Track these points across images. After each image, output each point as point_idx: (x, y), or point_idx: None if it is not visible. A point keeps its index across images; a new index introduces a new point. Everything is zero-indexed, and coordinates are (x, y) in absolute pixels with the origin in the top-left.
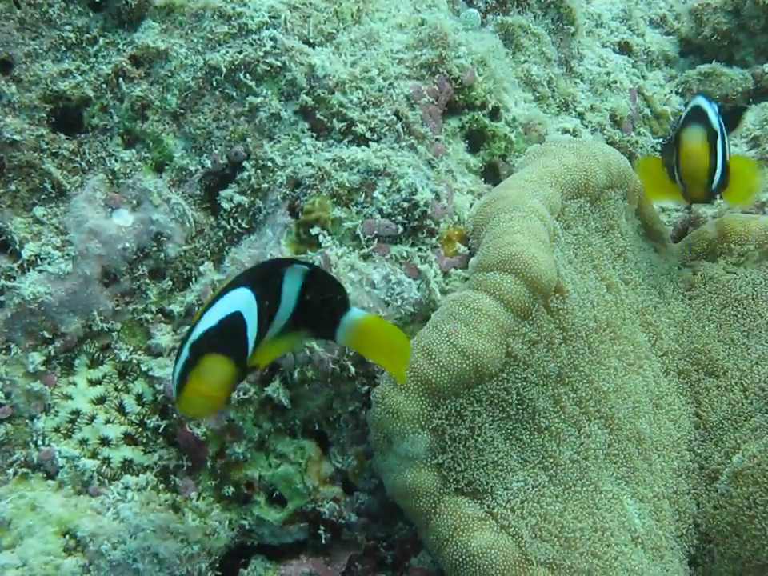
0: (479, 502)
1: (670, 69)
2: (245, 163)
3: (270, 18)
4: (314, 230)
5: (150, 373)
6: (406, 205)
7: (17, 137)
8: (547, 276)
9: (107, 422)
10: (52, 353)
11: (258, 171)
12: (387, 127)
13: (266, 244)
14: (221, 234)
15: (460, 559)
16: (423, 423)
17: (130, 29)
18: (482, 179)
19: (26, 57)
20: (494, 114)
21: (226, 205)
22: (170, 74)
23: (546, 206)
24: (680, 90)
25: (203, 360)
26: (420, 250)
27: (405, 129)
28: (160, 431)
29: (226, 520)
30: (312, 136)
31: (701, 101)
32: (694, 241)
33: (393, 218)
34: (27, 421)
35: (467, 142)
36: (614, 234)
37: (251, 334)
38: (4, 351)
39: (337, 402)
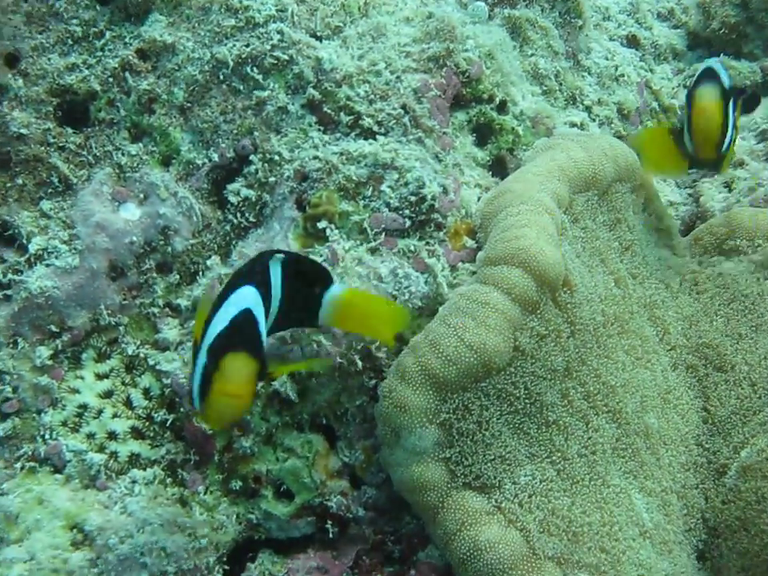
0: (487, 496)
1: (677, 62)
2: (252, 157)
3: (277, 11)
4: (322, 224)
5: (158, 367)
6: (413, 198)
7: (24, 131)
8: (555, 270)
9: (114, 416)
10: (59, 347)
11: (265, 165)
12: (394, 121)
13: (273, 238)
14: (228, 227)
15: (468, 554)
16: (431, 417)
17: (137, 22)
18: (490, 173)
19: (33, 50)
20: (502, 108)
21: (233, 198)
22: (177, 68)
23: (553, 199)
24: (688, 84)
25: (225, 360)
26: (427, 243)
27: (412, 122)
28: (167, 425)
29: (233, 514)
30: (319, 129)
31: (713, 63)
32: (702, 235)
33: (400, 212)
34: (34, 415)
35: (475, 135)
36: (621, 228)
37: (263, 328)
38: (11, 345)
39: (344, 396)
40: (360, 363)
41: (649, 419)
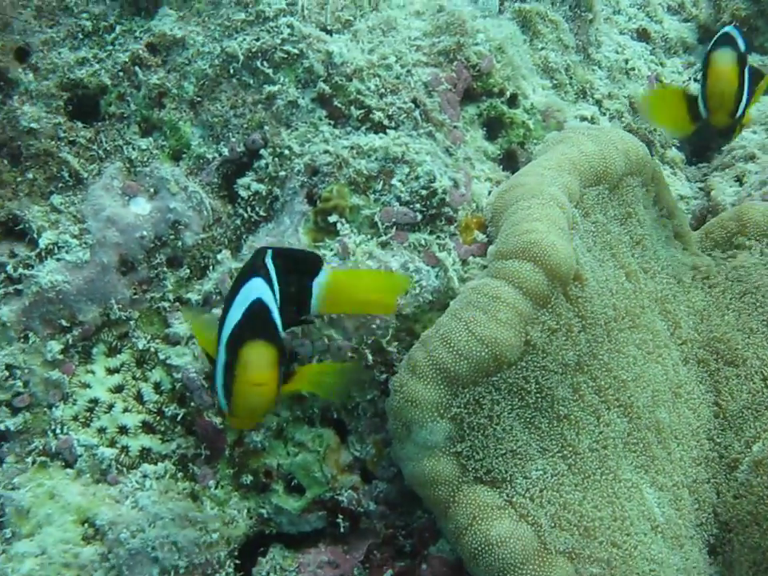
0: (498, 490)
1: (688, 56)
2: (262, 151)
3: (287, 5)
4: (332, 218)
5: (168, 361)
6: (424, 192)
7: (34, 125)
8: (566, 264)
9: (125, 410)
10: (70, 341)
11: (276, 159)
12: (405, 114)
13: (283, 232)
14: (238, 222)
15: (479, 548)
16: (442, 411)
17: (147, 16)
18: (500, 167)
19: (43, 45)
20: (512, 101)
21: (243, 193)
22: (187, 62)
23: (564, 193)
24: (698, 78)
25: (243, 350)
26: (438, 237)
27: (423, 116)
28: (178, 420)
29: (244, 508)
30: (330, 123)
31: (730, 29)
32: (713, 229)
33: (411, 206)
34: (45, 409)
35: (485, 129)
36: (632, 222)
37: (276, 316)
38: (22, 340)
39: (355, 390)
40: (371, 357)
41: (660, 414)
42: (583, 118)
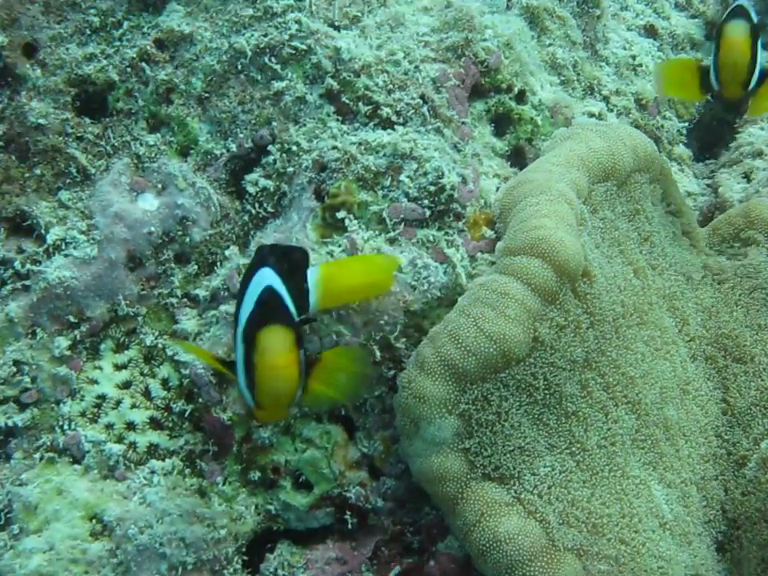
0: (506, 487)
1: (695, 52)
2: (270, 147)
3: (294, 0)
4: (340, 214)
5: (176, 357)
6: (432, 188)
7: (42, 121)
8: (575, 260)
9: (133, 406)
10: (77, 337)
11: (284, 155)
12: (413, 110)
13: (291, 228)
14: (246, 218)
15: (487, 545)
16: (450, 408)
17: (155, 12)
18: (508, 163)
19: (51, 40)
20: (520, 98)
21: (251, 189)
22: (194, 58)
23: (573, 189)
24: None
25: (260, 337)
26: (446, 233)
27: (431, 112)
28: (186, 416)
29: (252, 505)
30: (337, 119)
31: (743, 1)
32: (721, 226)
33: (419, 202)
34: (53, 405)
35: (493, 125)
36: (640, 219)
37: (289, 302)
38: (30, 335)
39: (363, 390)
40: (379, 353)
41: (668, 410)
42: (591, 115)
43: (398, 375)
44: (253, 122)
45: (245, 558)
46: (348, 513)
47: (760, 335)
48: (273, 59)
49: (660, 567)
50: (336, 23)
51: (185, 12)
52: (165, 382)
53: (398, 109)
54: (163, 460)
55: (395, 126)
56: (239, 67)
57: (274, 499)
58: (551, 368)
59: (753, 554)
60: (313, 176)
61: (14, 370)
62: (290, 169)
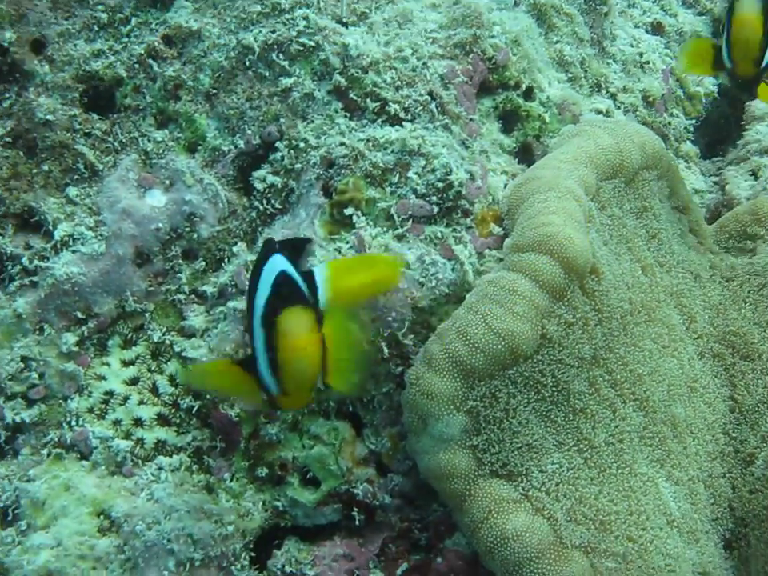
0: (514, 484)
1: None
2: (278, 143)
3: None
4: (348, 211)
5: (184, 354)
6: (440, 185)
7: (50, 117)
8: (583, 257)
9: (140, 402)
10: (85, 333)
11: (292, 151)
12: (421, 107)
13: (299, 224)
14: (254, 214)
15: (495, 542)
16: (458, 405)
17: (163, 8)
18: (516, 159)
19: (59, 37)
20: (528, 94)
21: (258, 185)
22: (202, 54)
23: (581, 186)
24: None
25: (280, 320)
26: (454, 230)
27: (439, 109)
28: (193, 412)
29: (259, 501)
30: (345, 116)
31: None
32: (728, 223)
33: (427, 199)
34: (61, 401)
35: (501, 122)
36: (648, 216)
37: (302, 285)
38: (38, 332)
39: (371, 383)
40: (386, 350)
41: (676, 408)
42: (598, 112)
43: (405, 372)
44: (261, 118)
45: (252, 554)
46: (355, 509)
47: None
48: (281, 55)
49: (667, 565)
50: (344, 20)
51: (193, 8)
52: (172, 378)
53: (405, 105)
54: (171, 456)
55: (403, 123)
56: (247, 63)
57: (282, 495)
58: (559, 365)
59: (760, 552)
60: (321, 172)
61: (22, 365)
62: (298, 165)
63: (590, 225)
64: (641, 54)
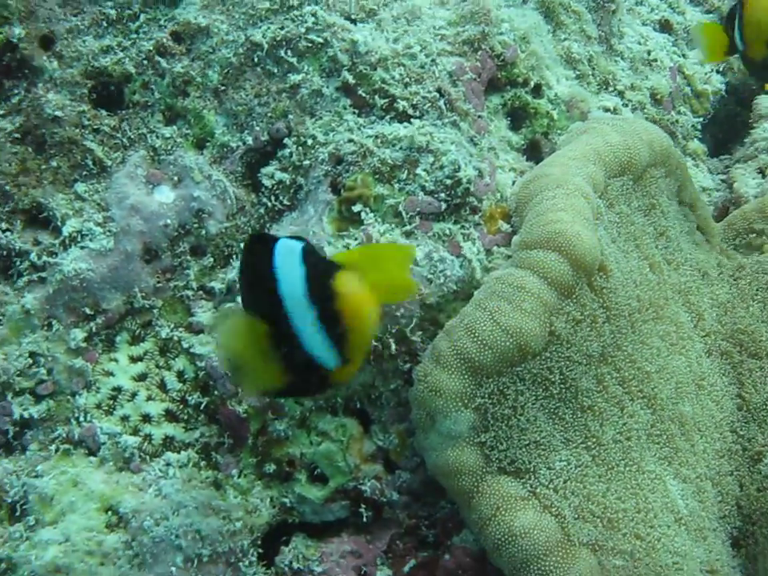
0: (522, 481)
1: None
2: (286, 140)
3: None
4: (356, 207)
5: (192, 350)
6: (448, 182)
7: (58, 113)
8: (591, 254)
9: (148, 398)
10: (93, 329)
11: (300, 148)
12: (430, 104)
13: (307, 221)
14: (262, 211)
15: (502, 539)
16: (466, 401)
17: (171, 5)
18: (524, 157)
19: (68, 33)
20: (537, 91)
21: (267, 182)
22: (211, 50)
23: (589, 183)
24: (720, 69)
25: (337, 285)
26: (463, 227)
27: (447, 105)
28: (201, 408)
29: (267, 497)
30: (354, 113)
31: None
32: (736, 221)
33: (435, 195)
34: (69, 397)
35: (509, 119)
36: (656, 213)
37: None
38: (46, 327)
39: (378, 380)
40: (394, 347)
41: (683, 405)
42: (606, 109)
43: (413, 368)
44: (269, 114)
45: (260, 550)
46: (363, 506)
47: None
48: (289, 52)
49: (675, 563)
50: (352, 16)
51: (201, 5)
52: (180, 375)
53: (414, 102)
54: (179, 452)
55: (412, 120)
56: (255, 60)
57: (289, 492)
58: (567, 362)
59: None
60: (329, 169)
61: (30, 361)
62: (306, 162)
63: (598, 222)
64: (648, 52)
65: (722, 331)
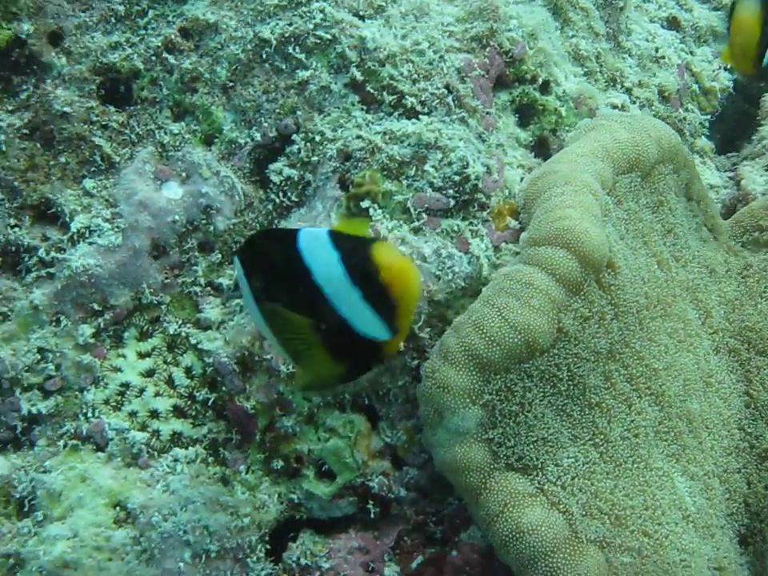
0: (529, 478)
1: (718, 44)
2: (294, 136)
3: None
4: (365, 203)
5: (199, 346)
6: (457, 178)
7: (67, 109)
8: (600, 251)
9: (156, 394)
10: (101, 325)
11: (308, 144)
12: (438, 100)
13: (315, 217)
14: (270, 207)
15: (510, 535)
16: (474, 398)
17: (180, 1)
18: (532, 153)
19: (76, 29)
20: (545, 88)
21: (275, 178)
22: (219, 47)
23: (597, 180)
24: (728, 66)
25: (377, 256)
26: (471, 223)
27: (456, 102)
28: (209, 404)
29: (275, 494)
30: (362, 109)
31: None
32: (743, 218)
33: (444, 192)
34: (77, 393)
35: (517, 115)
36: (663, 210)
37: None
38: (54, 323)
39: (386, 376)
40: (402, 343)
41: (691, 403)
42: (613, 106)
43: (421, 365)
44: (277, 111)
45: (267, 546)
46: (371, 502)
47: None
48: (297, 48)
49: (683, 560)
50: (361, 12)
51: (210, 1)
52: (188, 371)
53: (422, 98)
54: (186, 448)
55: (420, 116)
56: (264, 56)
57: (297, 488)
58: (575, 359)
59: None
60: (337, 165)
61: (38, 357)
62: (315, 158)
63: (606, 219)
64: (656, 49)
65: (730, 328)
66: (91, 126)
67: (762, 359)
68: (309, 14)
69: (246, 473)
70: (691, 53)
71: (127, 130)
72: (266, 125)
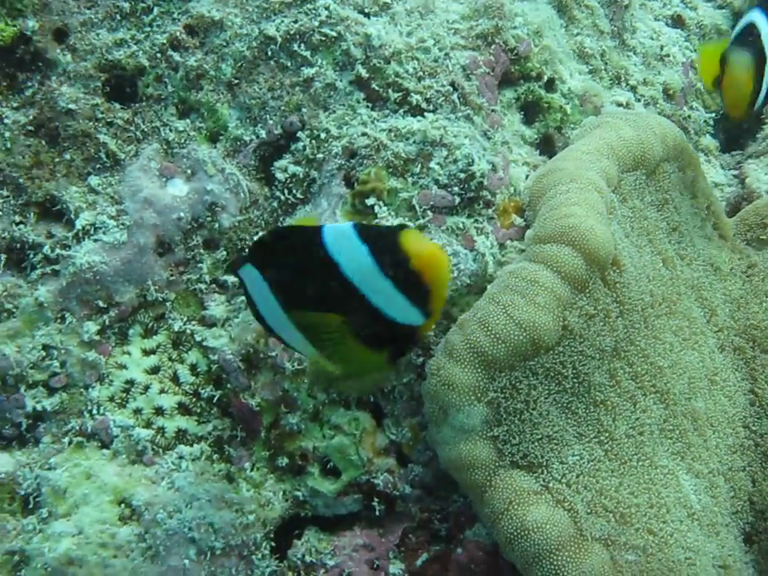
0: (534, 475)
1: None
2: (299, 133)
3: None
4: (370, 201)
5: (204, 343)
6: (462, 176)
7: (72, 106)
8: (605, 249)
9: (161, 391)
10: (106, 322)
11: (313, 141)
12: (443, 98)
13: (321, 214)
14: (275, 204)
15: (515, 533)
16: (479, 395)
17: None
18: (537, 151)
19: (82, 26)
20: (550, 86)
21: (280, 175)
22: (224, 44)
23: (603, 178)
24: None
25: (405, 243)
26: (476, 221)
27: (461, 99)
28: (214, 401)
29: (280, 491)
30: (367, 106)
31: (756, 17)
32: (748, 216)
33: (449, 189)
34: (82, 390)
35: (522, 113)
36: (669, 208)
37: None
38: (59, 320)
39: (391, 374)
40: None
41: (696, 401)
42: (618, 104)
43: (426, 362)
44: (282, 108)
45: (272, 543)
46: (376, 500)
47: None
48: (303, 46)
49: (687, 558)
50: (366, 10)
51: None
52: (193, 368)
53: (428, 96)
54: (191, 445)
55: (425, 113)
56: (269, 53)
57: (302, 485)
58: (580, 357)
59: None
60: (342, 162)
61: (43, 354)
62: (320, 155)
63: (611, 217)
64: (661, 47)
65: (735, 327)
66: (96, 123)
67: (766, 357)
68: (314, 11)
69: (251, 470)
70: (696, 51)
71: (132, 127)
72: (271, 122)
